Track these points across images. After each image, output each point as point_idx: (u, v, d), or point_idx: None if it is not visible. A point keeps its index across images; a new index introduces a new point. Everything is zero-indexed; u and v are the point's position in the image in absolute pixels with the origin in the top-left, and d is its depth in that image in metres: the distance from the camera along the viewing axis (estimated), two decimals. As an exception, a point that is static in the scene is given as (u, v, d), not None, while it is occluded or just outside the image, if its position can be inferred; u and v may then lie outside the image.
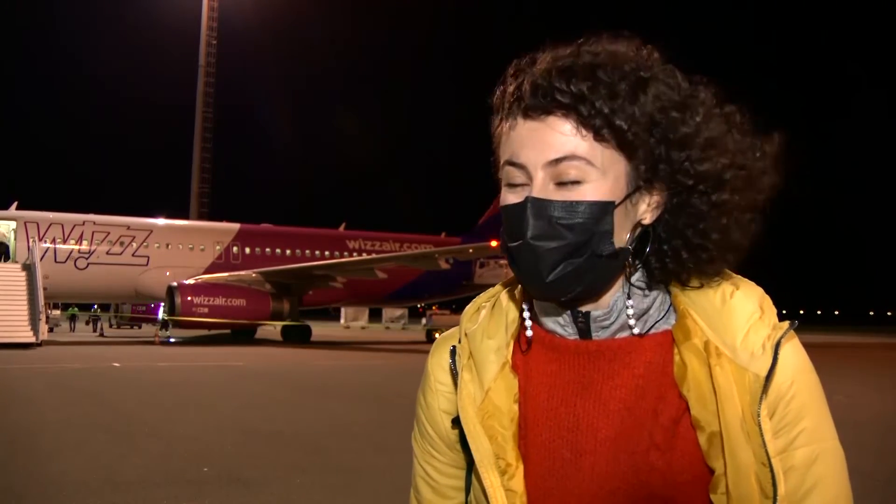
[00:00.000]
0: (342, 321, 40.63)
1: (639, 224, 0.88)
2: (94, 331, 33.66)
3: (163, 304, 27.15)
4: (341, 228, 31.12)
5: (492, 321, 0.96)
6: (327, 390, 11.77)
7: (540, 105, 0.85)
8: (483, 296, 1.02)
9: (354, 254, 28.65)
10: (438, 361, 0.99)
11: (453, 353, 0.97)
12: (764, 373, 0.82)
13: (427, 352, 1.03)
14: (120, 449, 6.31)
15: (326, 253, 28.36)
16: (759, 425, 0.81)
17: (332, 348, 23.04)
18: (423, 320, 35.40)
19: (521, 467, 0.89)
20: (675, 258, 0.89)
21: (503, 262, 30.25)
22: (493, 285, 1.03)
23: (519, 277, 0.89)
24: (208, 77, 39.78)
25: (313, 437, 7.21)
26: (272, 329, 26.24)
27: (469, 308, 1.01)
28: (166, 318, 26.00)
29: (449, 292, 31.88)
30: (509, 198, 0.87)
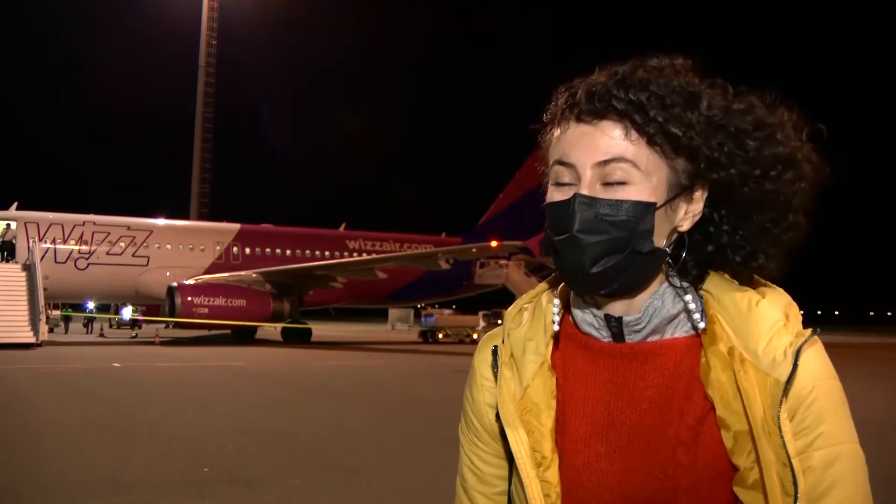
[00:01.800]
0: (388, 324, 40.96)
1: (675, 230, 0.93)
2: (89, 332, 33.51)
3: (128, 305, 28.02)
4: (341, 228, 31.10)
5: (533, 322, 1.03)
6: (327, 390, 11.77)
7: (595, 109, 0.90)
8: (525, 297, 1.08)
9: (354, 254, 28.64)
10: (483, 358, 1.06)
11: (495, 351, 1.03)
12: (784, 378, 0.86)
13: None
14: (120, 449, 6.31)
15: (326, 253, 28.34)
16: (780, 427, 0.85)
17: (332, 348, 23.03)
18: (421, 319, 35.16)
19: (557, 460, 0.95)
20: (735, 249, 0.94)
21: (503, 262, 30.24)
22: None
23: (562, 271, 0.94)
24: (208, 77, 39.72)
25: (313, 437, 7.22)
26: (272, 329, 26.24)
27: (511, 309, 1.07)
28: (137, 317, 27.11)
29: (449, 292, 31.86)
30: (556, 195, 0.93)
